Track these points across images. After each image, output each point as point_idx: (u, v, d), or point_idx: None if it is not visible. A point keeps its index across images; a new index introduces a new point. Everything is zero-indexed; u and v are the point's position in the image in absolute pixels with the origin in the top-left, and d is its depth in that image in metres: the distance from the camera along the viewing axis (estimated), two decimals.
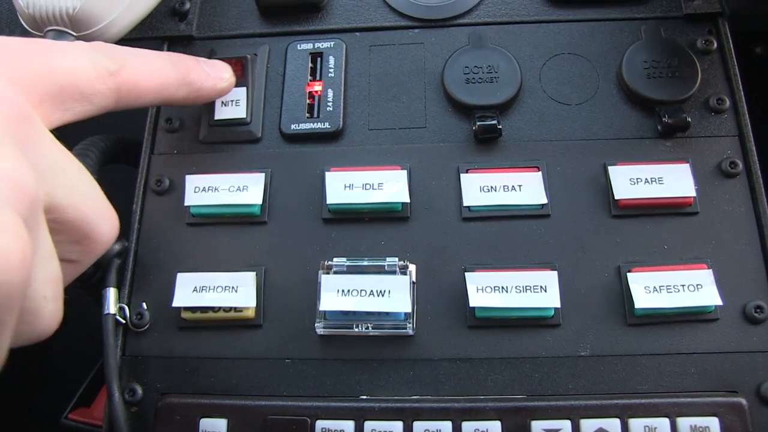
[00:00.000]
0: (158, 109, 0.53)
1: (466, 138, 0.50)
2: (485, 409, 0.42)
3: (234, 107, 0.50)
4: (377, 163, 0.49)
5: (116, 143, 0.53)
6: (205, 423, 0.43)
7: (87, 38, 0.45)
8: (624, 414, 0.41)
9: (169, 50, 0.54)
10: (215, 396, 0.44)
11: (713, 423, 0.41)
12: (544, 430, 0.41)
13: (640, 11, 0.53)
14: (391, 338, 0.45)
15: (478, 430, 0.41)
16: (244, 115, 0.51)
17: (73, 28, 0.44)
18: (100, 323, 0.46)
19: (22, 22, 0.48)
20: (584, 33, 0.52)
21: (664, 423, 0.41)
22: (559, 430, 0.41)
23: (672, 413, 0.41)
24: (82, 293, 0.50)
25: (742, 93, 0.49)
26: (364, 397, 0.43)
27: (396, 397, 0.43)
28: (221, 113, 0.51)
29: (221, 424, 0.43)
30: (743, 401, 0.41)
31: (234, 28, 0.55)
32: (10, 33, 0.55)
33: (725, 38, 0.51)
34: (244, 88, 0.51)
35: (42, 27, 0.45)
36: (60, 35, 0.43)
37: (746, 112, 0.49)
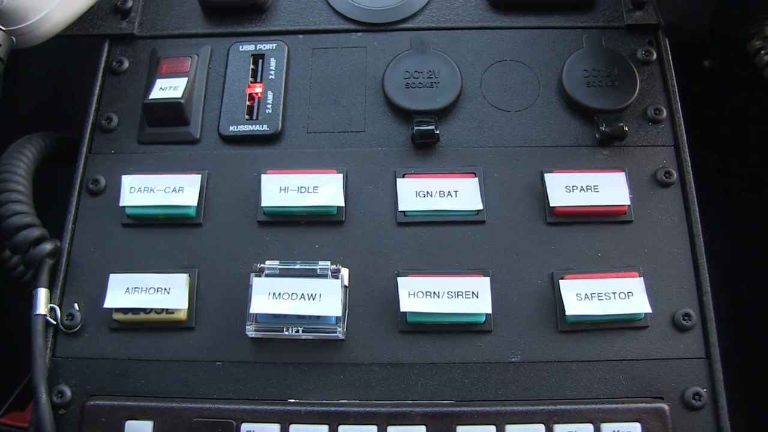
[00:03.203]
0: (97, 107, 0.52)
1: (404, 143, 0.50)
2: (411, 414, 0.42)
3: (171, 90, 0.50)
4: (315, 167, 0.49)
5: (55, 141, 0.52)
6: (130, 425, 0.43)
7: (18, 33, 0.44)
8: (549, 420, 0.42)
9: (110, 49, 0.54)
10: (142, 398, 0.44)
11: (636, 428, 0.41)
12: None
13: (582, 20, 0.53)
14: (321, 342, 0.45)
15: None
16: (179, 95, 0.50)
17: (2, 22, 0.43)
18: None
19: None
20: (526, 40, 0.53)
21: (588, 429, 0.41)
22: None
23: (596, 419, 0.41)
24: (13, 293, 0.49)
25: (679, 104, 0.50)
26: (292, 400, 0.43)
27: (323, 401, 0.43)
28: (156, 94, 0.50)
29: (147, 426, 0.42)
30: (665, 407, 0.42)
31: (177, 27, 0.54)
32: None
33: (664, 49, 0.52)
34: (185, 78, 0.51)
35: None
36: None
37: (683, 122, 0.50)
